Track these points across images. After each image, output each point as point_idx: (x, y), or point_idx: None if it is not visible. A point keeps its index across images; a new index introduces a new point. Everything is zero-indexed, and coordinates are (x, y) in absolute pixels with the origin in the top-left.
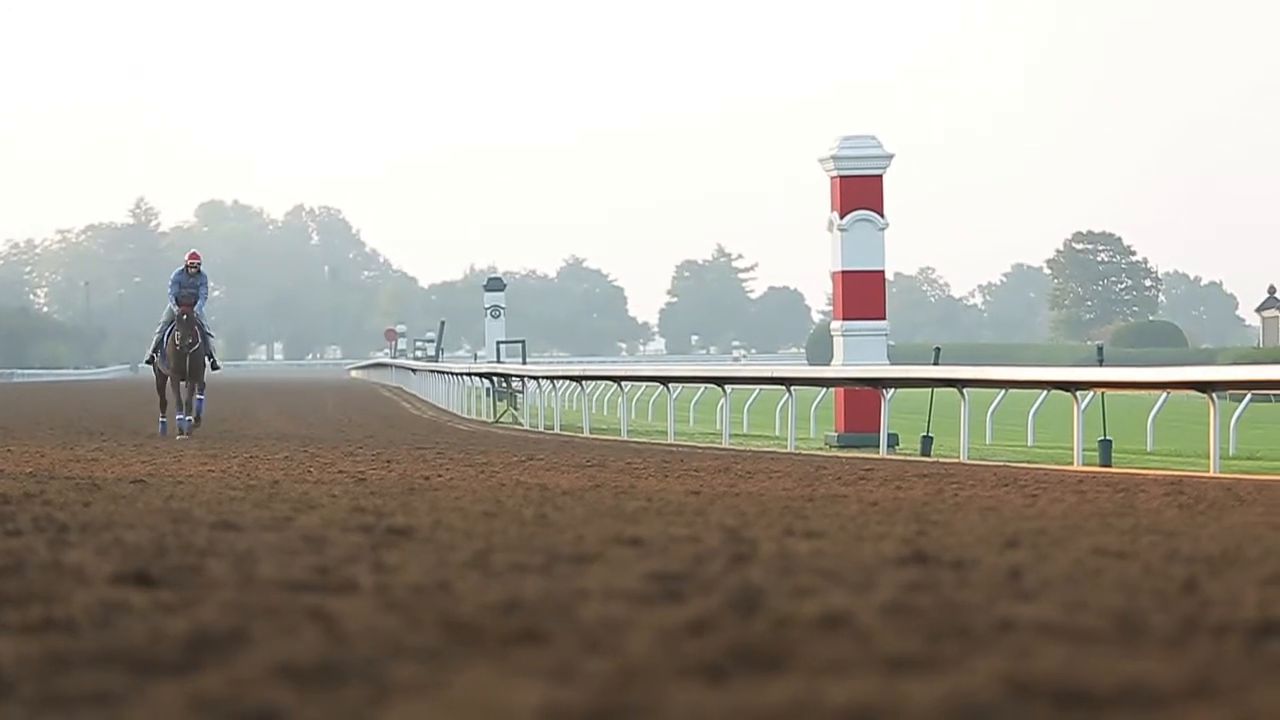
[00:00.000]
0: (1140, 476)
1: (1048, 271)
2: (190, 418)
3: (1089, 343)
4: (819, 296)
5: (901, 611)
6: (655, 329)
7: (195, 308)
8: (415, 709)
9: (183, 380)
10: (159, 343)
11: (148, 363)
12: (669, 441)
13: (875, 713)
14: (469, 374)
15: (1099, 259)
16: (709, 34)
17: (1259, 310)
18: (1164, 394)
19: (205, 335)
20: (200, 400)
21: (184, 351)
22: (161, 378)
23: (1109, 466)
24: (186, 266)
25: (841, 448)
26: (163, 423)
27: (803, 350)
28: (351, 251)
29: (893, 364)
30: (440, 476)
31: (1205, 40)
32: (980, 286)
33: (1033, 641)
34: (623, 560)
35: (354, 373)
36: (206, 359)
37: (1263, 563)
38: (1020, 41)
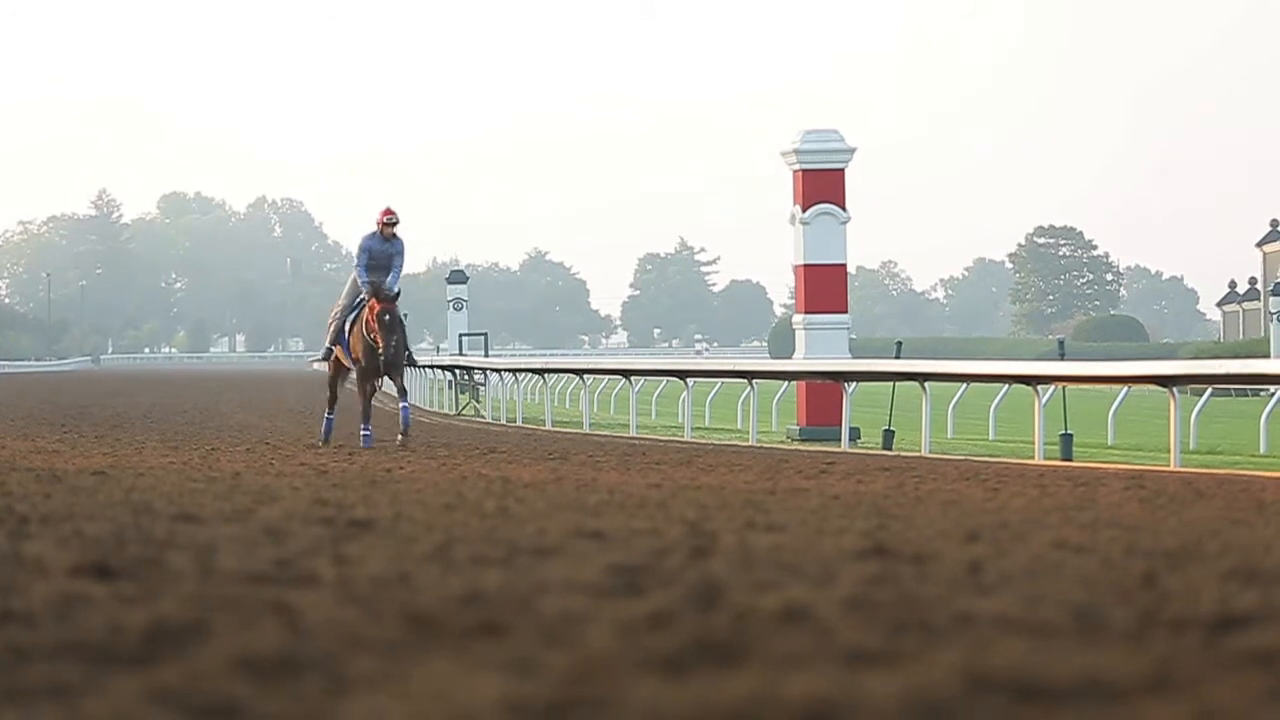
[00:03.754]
0: (1101, 470)
1: (1009, 266)
2: (409, 405)
3: (1050, 337)
4: (781, 290)
5: (861, 605)
6: (618, 322)
7: (389, 282)
8: (375, 702)
9: (375, 378)
10: (339, 333)
11: (324, 358)
12: (631, 435)
13: (834, 706)
14: (431, 366)
15: (1061, 253)
16: (671, 28)
17: (1220, 305)
18: (1125, 388)
19: (403, 327)
20: (406, 408)
21: (389, 359)
22: (335, 372)
23: (1070, 460)
24: (380, 227)
25: (803, 441)
26: (329, 419)
27: (765, 343)
28: (314, 244)
29: (855, 357)
30: (402, 469)
31: (1167, 35)
32: (942, 280)
33: (992, 635)
34: (583, 553)
35: (316, 365)
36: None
37: (1222, 557)
38: (983, 36)
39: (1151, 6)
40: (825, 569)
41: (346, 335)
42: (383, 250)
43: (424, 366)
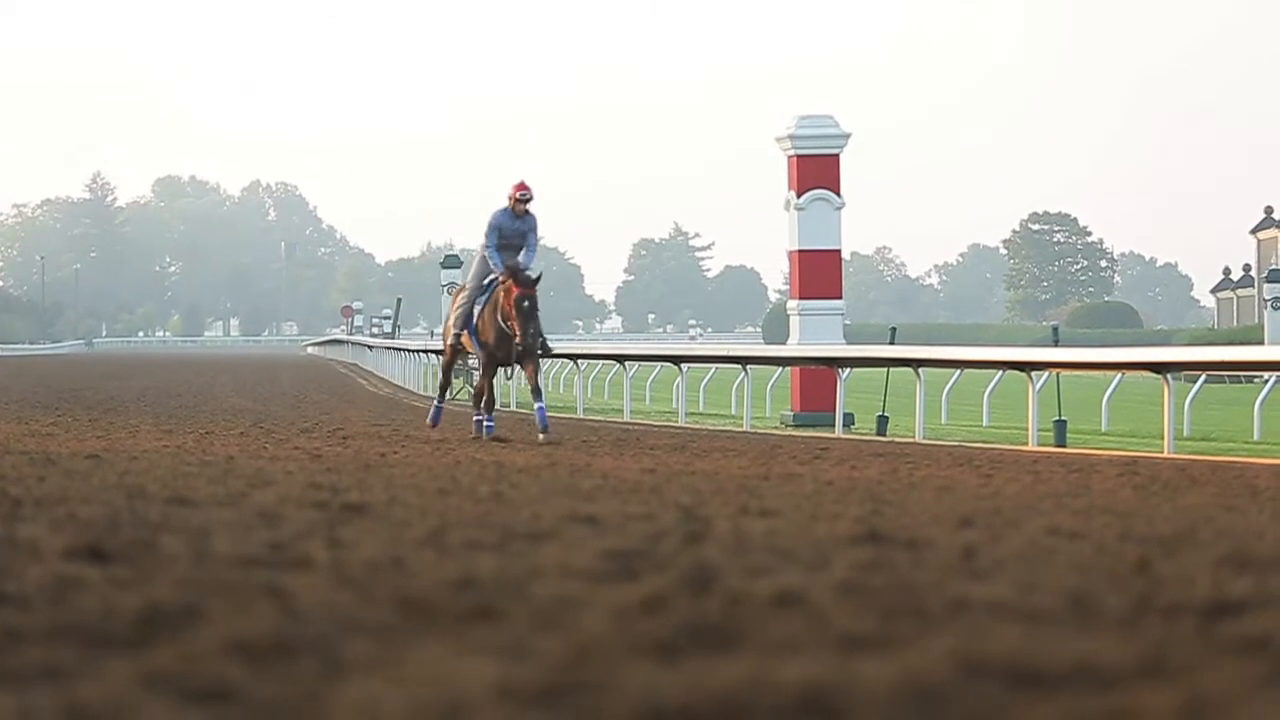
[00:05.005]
0: (1095, 457)
1: (1004, 252)
2: (545, 406)
3: (1045, 323)
4: (775, 275)
5: (855, 591)
6: (612, 307)
7: (524, 260)
8: (369, 686)
9: (504, 366)
10: (467, 317)
11: (453, 345)
12: (625, 420)
13: (828, 691)
14: (425, 351)
15: (1055, 240)
16: (666, 12)
17: (1214, 291)
18: (1119, 375)
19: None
20: (542, 409)
21: (526, 348)
22: (452, 358)
23: (1064, 447)
24: (512, 202)
25: (797, 427)
26: (479, 421)
27: (759, 329)
28: (308, 228)
29: (849, 343)
30: (396, 453)
31: (1163, 23)
32: (937, 266)
33: (986, 621)
34: (578, 538)
35: (310, 349)
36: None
37: (1216, 544)
38: (979, 22)
39: None
40: (819, 554)
41: (475, 320)
42: (514, 228)
43: (416, 351)
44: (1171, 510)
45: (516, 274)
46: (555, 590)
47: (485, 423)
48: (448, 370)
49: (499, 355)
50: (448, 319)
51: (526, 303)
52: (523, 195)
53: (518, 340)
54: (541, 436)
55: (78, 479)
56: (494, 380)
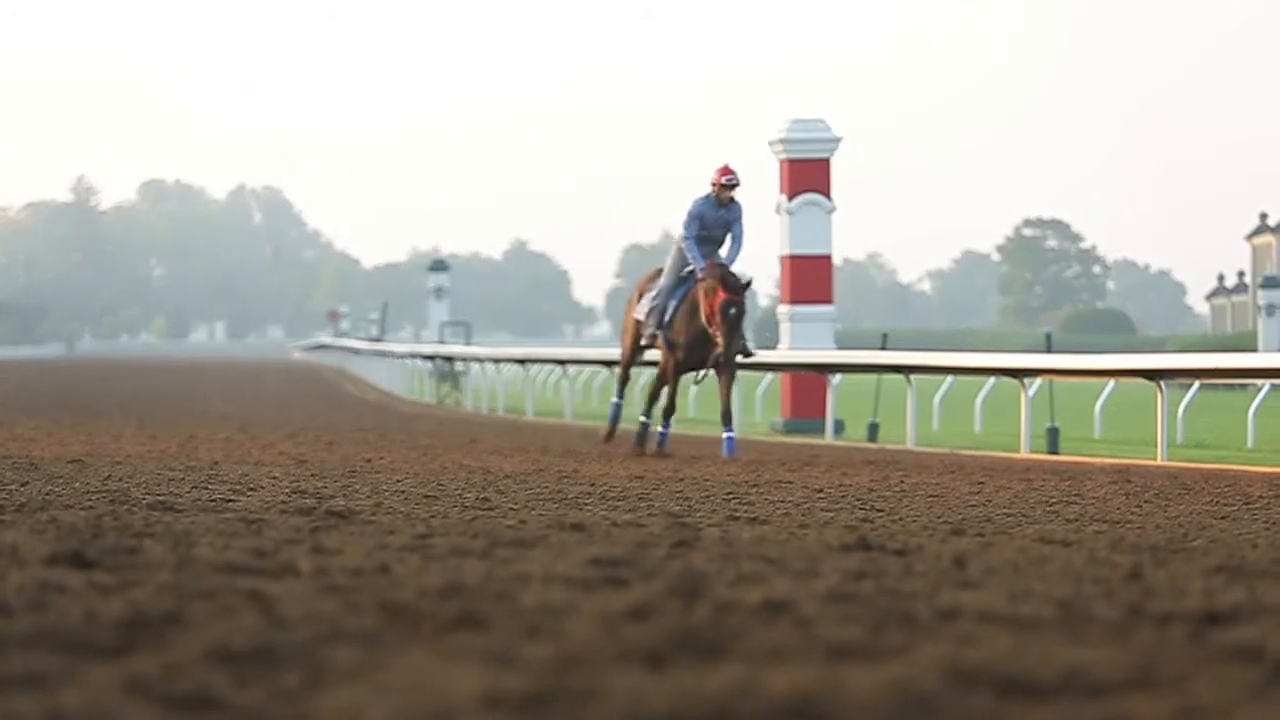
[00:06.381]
0: (1087, 464)
1: (997, 258)
2: (667, 431)
3: (1038, 329)
4: (766, 280)
5: (844, 599)
6: (601, 312)
7: (727, 257)
8: (353, 693)
9: (691, 370)
10: (662, 315)
11: (646, 345)
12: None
13: (816, 701)
14: (412, 355)
15: (1048, 245)
16: (655, 15)
17: (1208, 298)
18: (1112, 382)
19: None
20: (732, 439)
21: (727, 359)
22: (633, 354)
23: (1056, 454)
24: (716, 188)
25: (787, 433)
26: (646, 424)
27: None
28: (294, 231)
29: (840, 349)
30: (382, 459)
31: (1158, 30)
32: (929, 272)
33: (976, 630)
34: (564, 545)
35: (296, 354)
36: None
37: (1208, 552)
38: (970, 28)
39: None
40: (808, 562)
41: (668, 315)
42: (717, 217)
43: (404, 356)
44: (1164, 518)
45: (725, 278)
46: (542, 597)
47: (660, 430)
48: (627, 367)
49: (691, 360)
50: (630, 306)
51: (734, 310)
52: (728, 180)
53: (719, 350)
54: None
55: (60, 484)
56: (674, 385)
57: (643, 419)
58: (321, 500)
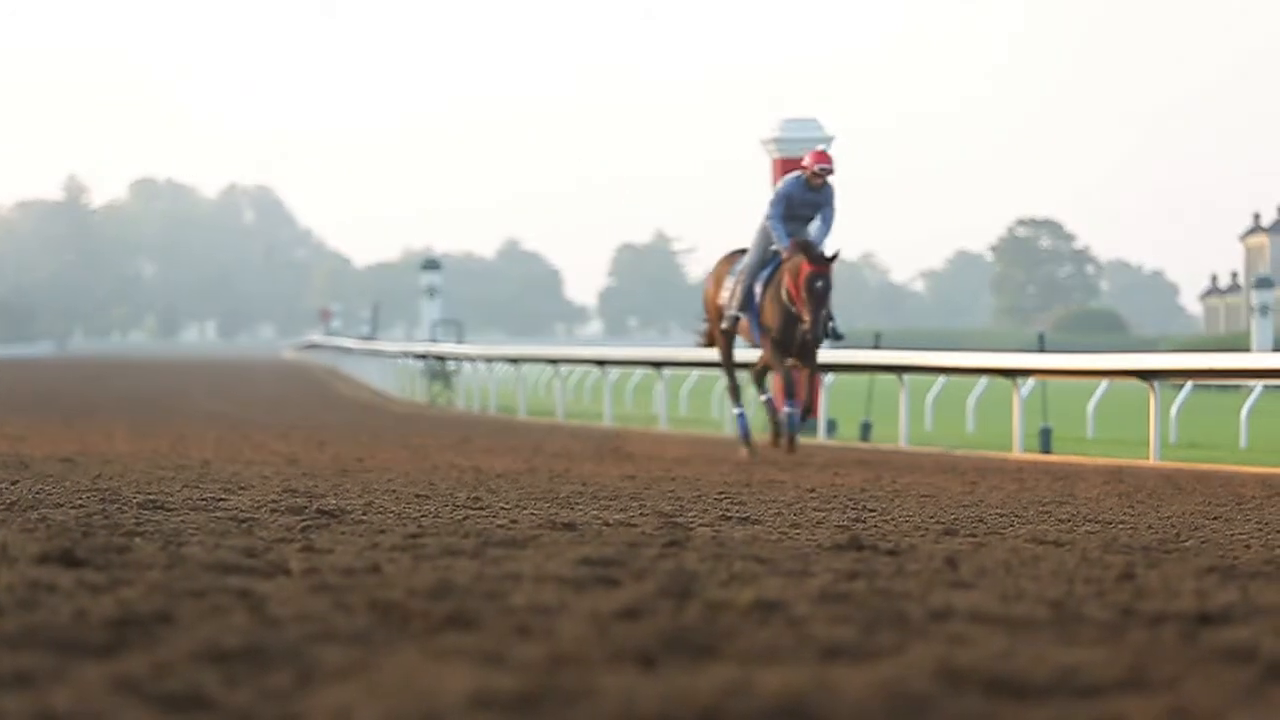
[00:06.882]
0: (1080, 465)
1: (990, 258)
2: (798, 412)
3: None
4: None
5: (836, 599)
6: (593, 312)
7: (814, 231)
8: (344, 693)
9: (789, 355)
10: (749, 296)
11: (725, 330)
12: (605, 424)
13: (808, 701)
14: (404, 354)
15: (1041, 245)
16: (649, 14)
17: (1201, 298)
18: (1105, 382)
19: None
20: (794, 413)
21: (813, 336)
22: (729, 349)
23: (1049, 454)
24: (809, 174)
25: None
26: (742, 414)
27: None
28: (285, 230)
29: (833, 349)
30: (373, 458)
31: (1151, 29)
32: (922, 272)
33: (968, 630)
34: (556, 545)
35: (288, 353)
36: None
37: (1201, 553)
38: (965, 29)
39: (1137, 2)
40: (800, 562)
41: (758, 299)
42: (805, 199)
43: (396, 355)
44: (1156, 519)
45: (808, 249)
46: (533, 597)
47: (787, 410)
48: (731, 365)
49: (784, 341)
50: (708, 294)
51: (819, 282)
52: (822, 168)
53: (805, 327)
54: (784, 441)
55: (51, 483)
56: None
57: (763, 398)
58: (312, 499)
